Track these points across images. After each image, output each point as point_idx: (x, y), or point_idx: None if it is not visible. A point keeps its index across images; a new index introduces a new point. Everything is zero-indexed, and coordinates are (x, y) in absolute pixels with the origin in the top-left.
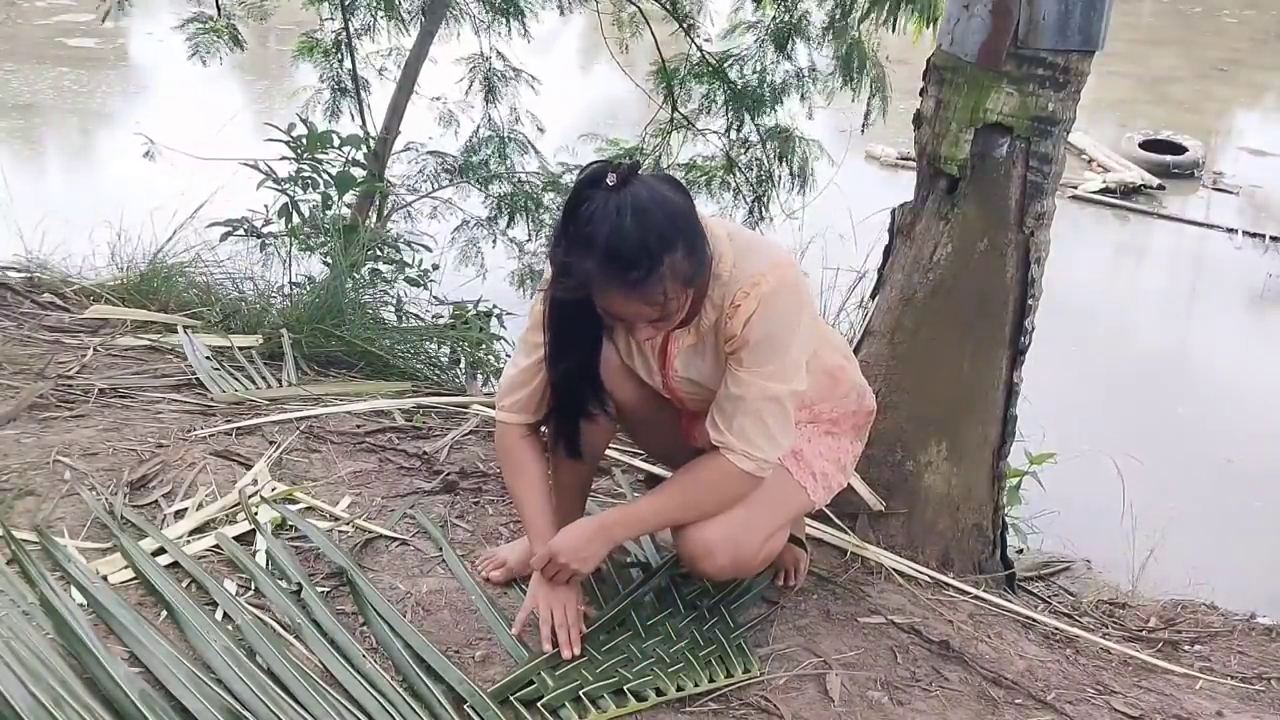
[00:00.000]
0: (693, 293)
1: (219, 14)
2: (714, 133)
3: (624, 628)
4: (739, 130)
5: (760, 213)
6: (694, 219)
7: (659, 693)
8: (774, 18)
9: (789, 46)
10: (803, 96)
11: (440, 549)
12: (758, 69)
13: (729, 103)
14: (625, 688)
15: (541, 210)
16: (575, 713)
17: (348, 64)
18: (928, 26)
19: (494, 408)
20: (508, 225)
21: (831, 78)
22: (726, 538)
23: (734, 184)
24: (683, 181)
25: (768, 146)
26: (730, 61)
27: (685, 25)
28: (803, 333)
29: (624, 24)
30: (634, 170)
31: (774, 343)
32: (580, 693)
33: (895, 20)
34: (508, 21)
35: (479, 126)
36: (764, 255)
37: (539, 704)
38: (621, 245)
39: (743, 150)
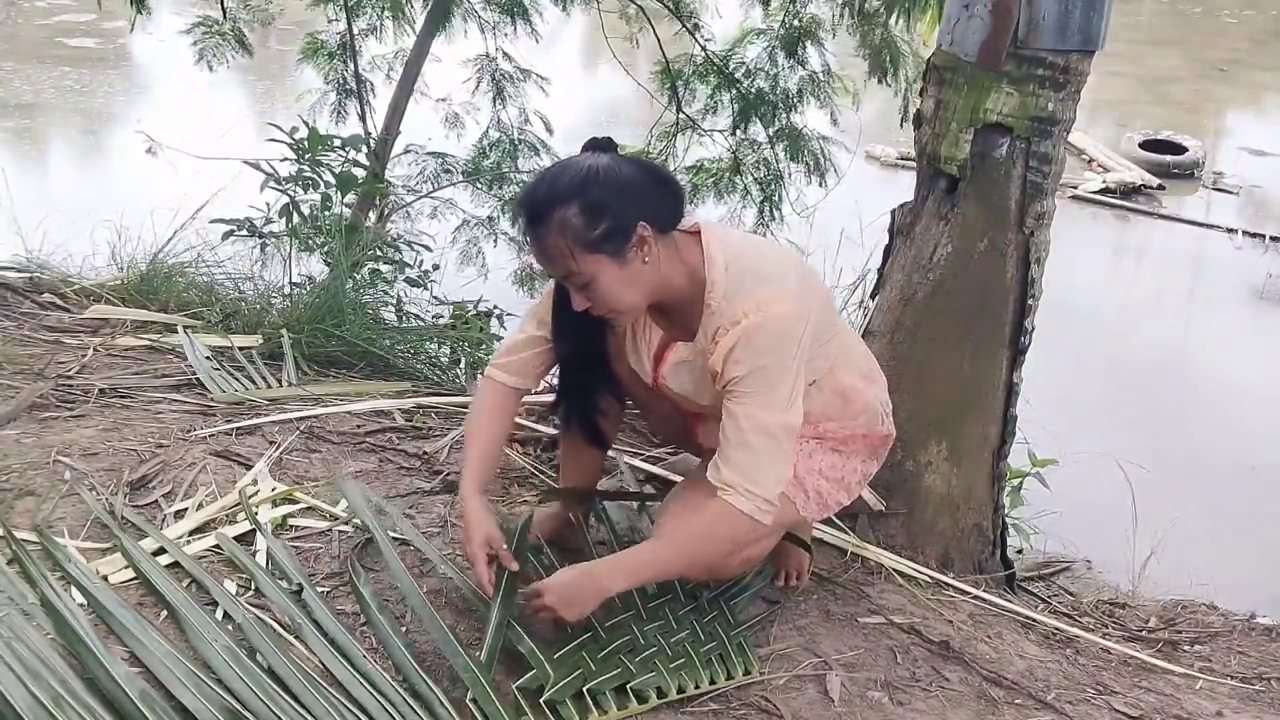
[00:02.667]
0: (603, 263)
1: (224, 17)
2: (720, 133)
3: (625, 608)
4: (745, 130)
5: (770, 214)
6: (614, 191)
7: (660, 693)
8: (782, 22)
9: (800, 51)
10: (819, 100)
11: (440, 550)
12: (769, 74)
13: (735, 104)
14: (627, 687)
15: None
16: (576, 712)
17: (352, 65)
18: (940, 22)
19: None
20: (512, 223)
21: (854, 78)
22: None
23: (742, 185)
24: (689, 184)
25: (777, 147)
26: (740, 70)
27: (689, 25)
28: (795, 365)
29: (630, 19)
30: (604, 144)
31: (761, 375)
32: (582, 688)
33: (910, 16)
34: (514, 21)
35: (488, 129)
36: (758, 290)
37: (540, 701)
38: (527, 194)
39: (750, 150)
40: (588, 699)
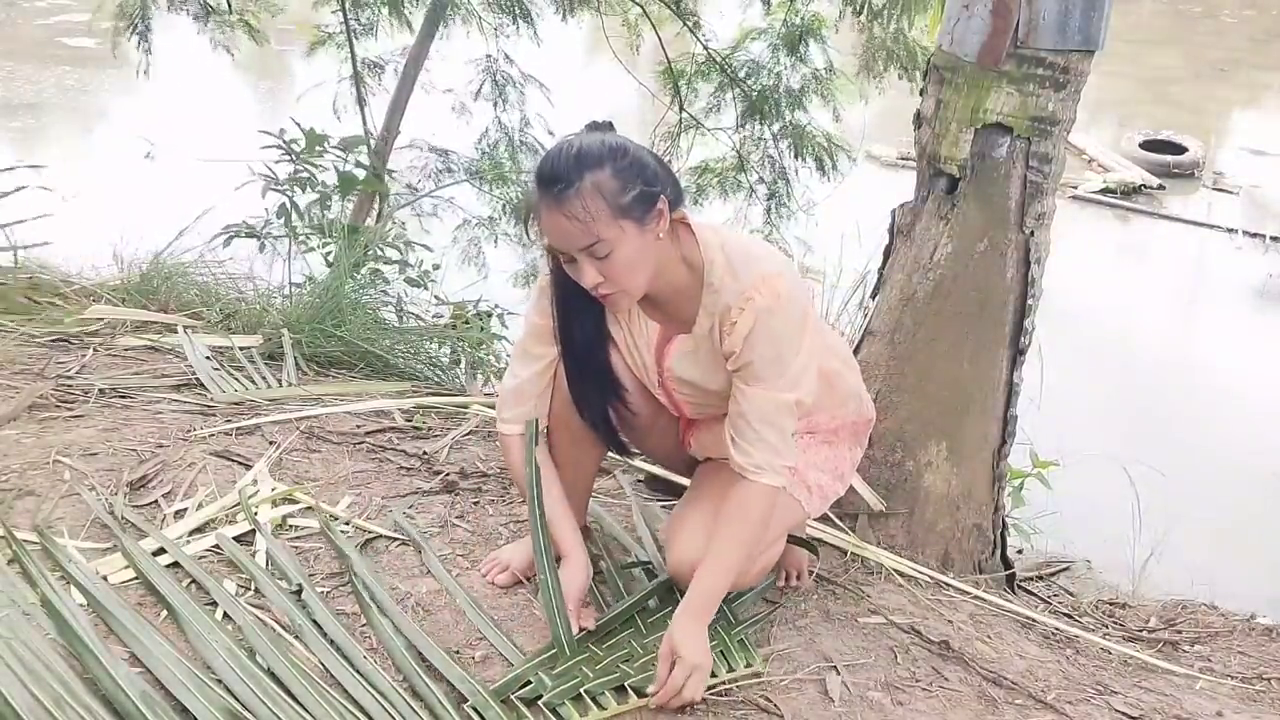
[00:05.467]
0: (628, 230)
1: (229, 10)
2: (723, 130)
3: (626, 626)
4: (750, 127)
5: (776, 211)
6: (639, 161)
7: None
8: (784, 21)
9: (803, 49)
10: (824, 99)
11: (439, 550)
12: (772, 71)
13: (738, 102)
14: (627, 684)
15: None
16: (575, 711)
17: (359, 57)
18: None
19: (495, 421)
20: (515, 222)
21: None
22: None
23: (747, 183)
24: (695, 184)
25: (781, 144)
26: (744, 69)
27: (690, 24)
28: (806, 341)
29: (631, 25)
30: (605, 126)
31: (780, 356)
32: (581, 690)
33: (911, 13)
34: (515, 22)
35: (488, 130)
36: (758, 266)
37: (540, 702)
38: (551, 163)
39: (755, 148)
40: (586, 698)
